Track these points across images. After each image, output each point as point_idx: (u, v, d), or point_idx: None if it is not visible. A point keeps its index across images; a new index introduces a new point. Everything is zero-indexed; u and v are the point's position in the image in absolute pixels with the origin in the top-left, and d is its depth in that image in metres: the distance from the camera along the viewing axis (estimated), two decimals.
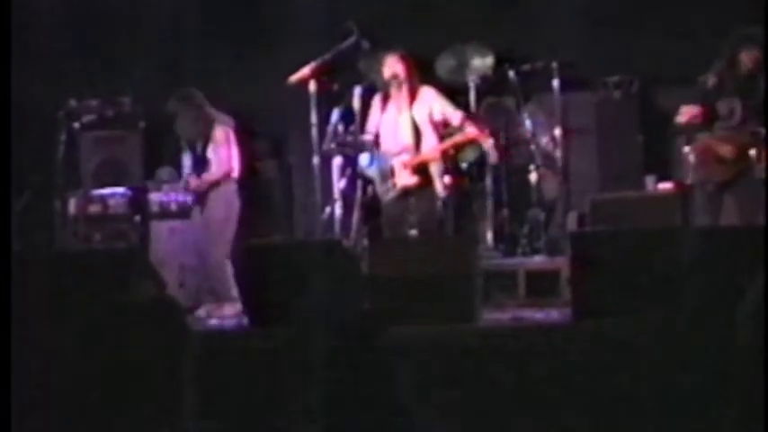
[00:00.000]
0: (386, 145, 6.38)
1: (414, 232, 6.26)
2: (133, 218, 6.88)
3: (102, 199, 6.99)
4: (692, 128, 5.60)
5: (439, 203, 6.38)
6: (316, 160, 6.64)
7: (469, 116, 6.50)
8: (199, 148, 6.33)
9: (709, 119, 5.53)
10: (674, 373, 4.33)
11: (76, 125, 7.06)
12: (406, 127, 6.33)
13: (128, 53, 7.47)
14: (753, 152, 5.48)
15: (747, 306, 2.66)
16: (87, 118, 7.18)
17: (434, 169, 6.32)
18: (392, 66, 6.35)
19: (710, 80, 5.57)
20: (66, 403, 2.41)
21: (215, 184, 6.34)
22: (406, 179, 6.28)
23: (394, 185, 6.32)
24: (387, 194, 6.35)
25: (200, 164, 6.34)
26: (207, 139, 6.30)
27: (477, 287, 5.10)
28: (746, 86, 5.48)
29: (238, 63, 7.45)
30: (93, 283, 4.92)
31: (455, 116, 6.35)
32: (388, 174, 6.35)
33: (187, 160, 6.44)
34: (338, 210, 6.65)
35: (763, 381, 2.77)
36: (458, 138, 6.36)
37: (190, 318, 5.93)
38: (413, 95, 6.33)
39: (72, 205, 7.01)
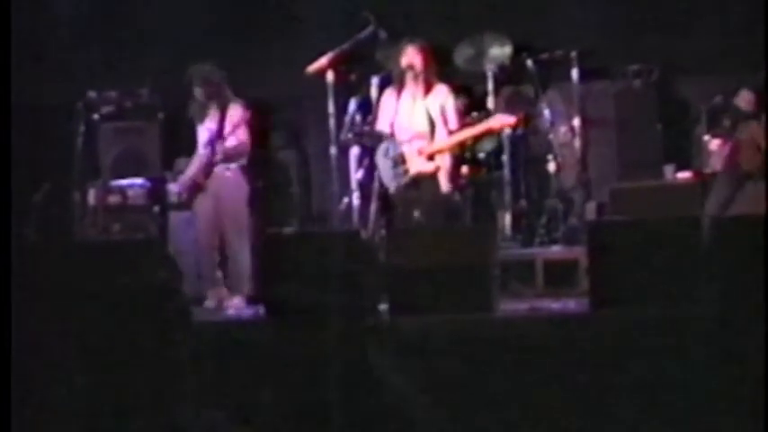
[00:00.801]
0: (399, 132, 6.37)
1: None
2: (152, 209, 6.92)
3: (121, 190, 7.03)
4: (742, 114, 5.58)
5: (445, 194, 6.34)
6: (333, 150, 6.65)
7: (467, 124, 6.43)
8: (214, 125, 6.29)
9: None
10: (694, 364, 4.33)
11: (95, 116, 7.11)
12: (421, 115, 6.33)
13: (146, 44, 7.51)
14: None
15: None
16: (106, 109, 7.23)
17: (442, 161, 6.30)
18: (411, 56, 6.34)
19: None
20: (76, 392, 2.45)
21: (229, 158, 6.27)
22: (420, 165, 6.27)
23: (406, 172, 6.30)
24: (397, 180, 6.31)
25: (214, 141, 6.31)
26: (223, 115, 6.29)
27: (495, 277, 5.11)
28: None
29: (257, 53, 7.47)
30: (112, 273, 4.97)
31: (453, 121, 6.31)
32: (400, 160, 6.34)
33: (203, 134, 6.36)
34: (356, 200, 6.67)
35: None
36: (477, 129, 6.32)
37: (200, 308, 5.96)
38: (428, 87, 6.32)
39: (91, 196, 7.06)
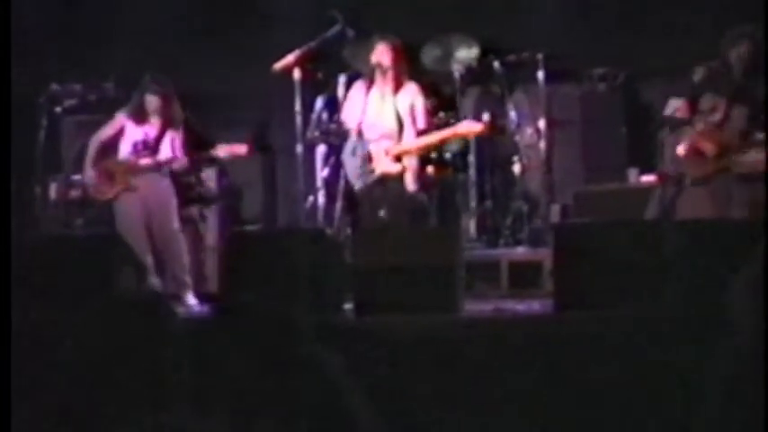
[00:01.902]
0: (366, 130, 6.31)
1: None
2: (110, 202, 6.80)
3: (83, 184, 6.92)
4: (675, 121, 5.59)
5: (410, 194, 6.32)
6: (299, 148, 6.61)
7: (435, 124, 6.39)
8: (153, 131, 6.22)
9: (692, 113, 5.53)
10: (658, 367, 4.35)
11: (58, 109, 7.00)
12: (390, 113, 6.27)
13: (111, 37, 7.41)
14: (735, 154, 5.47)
15: (740, 293, 2.67)
16: (69, 102, 7.12)
17: (408, 162, 6.26)
18: (381, 52, 6.27)
19: (698, 74, 5.57)
20: (50, 394, 2.39)
21: (158, 167, 6.20)
22: (387, 166, 6.22)
23: (372, 171, 6.26)
24: (363, 178, 6.27)
25: (147, 147, 6.23)
26: (164, 129, 6.23)
27: (460, 278, 5.10)
28: (737, 88, 5.45)
29: (223, 49, 7.40)
30: (74, 268, 4.89)
31: (421, 120, 6.26)
32: (367, 159, 6.29)
33: (136, 134, 6.26)
34: (321, 199, 6.64)
35: (755, 375, 2.78)
36: (444, 133, 6.29)
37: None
38: (398, 85, 6.26)
39: (53, 190, 6.96)
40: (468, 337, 4.67)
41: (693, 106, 5.52)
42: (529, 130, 6.99)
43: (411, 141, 6.25)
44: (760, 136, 5.39)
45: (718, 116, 5.44)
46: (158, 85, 6.21)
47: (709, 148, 5.45)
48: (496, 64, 6.90)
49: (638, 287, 4.67)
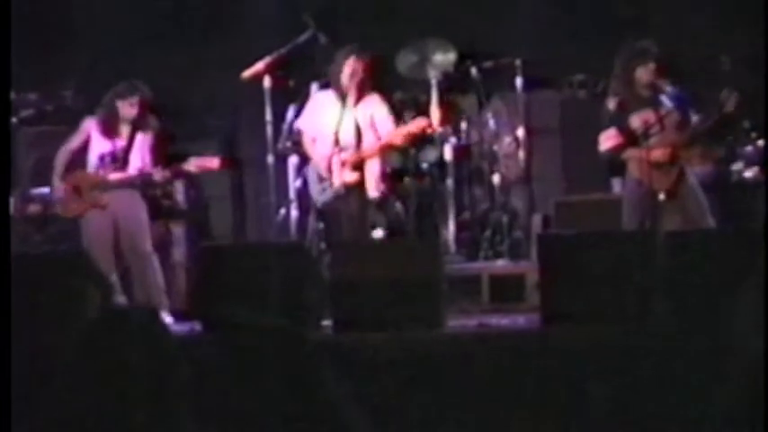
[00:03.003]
0: (324, 142, 6.26)
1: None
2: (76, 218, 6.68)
3: (42, 198, 6.79)
4: (612, 152, 5.75)
5: (370, 201, 6.28)
6: (270, 159, 6.54)
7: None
8: (121, 143, 6.05)
9: (629, 138, 5.68)
10: (648, 383, 4.34)
11: (14, 120, 6.85)
12: (349, 125, 6.21)
13: (70, 43, 7.30)
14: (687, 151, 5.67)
15: (744, 313, 2.66)
16: (25, 112, 6.99)
17: (370, 169, 6.22)
18: (353, 66, 6.22)
19: (611, 103, 5.75)
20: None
21: (127, 182, 6.04)
22: (345, 176, 6.18)
23: (331, 185, 6.22)
24: (323, 195, 6.24)
25: (115, 159, 6.07)
26: (133, 137, 6.05)
27: (442, 292, 5.07)
28: (650, 97, 5.67)
29: (189, 56, 7.32)
30: (34, 288, 4.78)
31: (386, 126, 6.22)
32: (325, 174, 6.24)
33: (103, 146, 6.06)
34: (293, 211, 6.58)
35: (747, 384, 2.77)
36: (397, 132, 6.22)
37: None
38: (360, 97, 6.21)
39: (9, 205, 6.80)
40: (453, 353, 4.64)
41: (626, 130, 5.68)
42: (507, 139, 6.99)
43: (367, 147, 6.20)
44: (698, 129, 5.65)
45: (656, 127, 5.63)
46: (135, 91, 5.99)
47: (661, 155, 5.61)
48: (474, 70, 6.89)
49: (627, 300, 4.68)
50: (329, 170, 6.20)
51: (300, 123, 6.42)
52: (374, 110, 6.22)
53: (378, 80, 6.33)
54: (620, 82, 5.75)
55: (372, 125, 6.22)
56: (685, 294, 4.63)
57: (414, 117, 6.56)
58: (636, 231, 5.44)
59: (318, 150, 6.26)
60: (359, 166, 6.20)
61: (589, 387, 4.34)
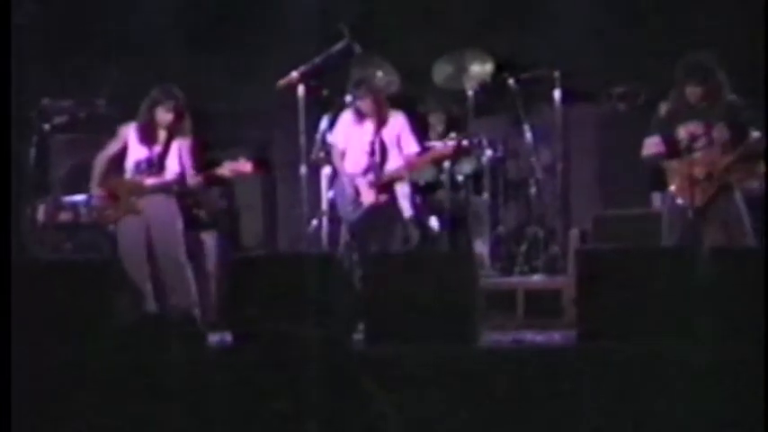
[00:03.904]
0: (352, 162, 6.37)
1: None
2: (107, 227, 6.78)
3: (74, 206, 6.88)
4: (655, 160, 5.75)
5: (403, 223, 6.35)
6: (303, 169, 6.60)
7: (425, 150, 6.46)
8: (158, 149, 6.13)
9: (672, 148, 5.69)
10: (688, 404, 4.32)
11: (46, 127, 6.94)
12: (375, 145, 6.33)
13: (105, 52, 7.40)
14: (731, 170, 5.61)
15: None
16: (59, 119, 7.07)
17: (400, 189, 6.35)
18: (367, 96, 6.32)
19: (662, 109, 5.75)
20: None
21: (164, 188, 6.09)
22: (371, 197, 6.31)
23: (359, 204, 6.30)
24: (354, 213, 6.34)
25: (152, 165, 6.13)
26: (169, 142, 6.13)
27: (477, 307, 5.08)
28: (701, 111, 5.66)
29: (223, 65, 7.40)
30: (65, 295, 4.86)
31: (410, 146, 6.35)
32: (353, 193, 6.32)
33: (140, 152, 6.13)
34: (325, 222, 6.63)
35: None
36: (424, 157, 6.35)
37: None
38: (383, 120, 6.34)
39: (41, 212, 6.90)
40: (487, 369, 4.65)
41: (670, 139, 5.68)
42: (545, 152, 7.00)
43: (394, 168, 6.33)
44: (748, 140, 5.57)
45: (702, 141, 5.61)
46: (171, 97, 6.07)
47: (699, 170, 5.59)
48: (511, 81, 6.91)
49: (668, 318, 4.66)
50: (356, 190, 6.30)
51: (332, 138, 6.51)
52: (400, 129, 6.35)
53: (387, 108, 6.36)
54: (674, 91, 5.73)
55: (398, 144, 6.34)
56: (727, 312, 4.61)
57: (446, 131, 6.63)
58: (676, 247, 5.42)
59: (346, 168, 6.38)
60: (386, 187, 6.30)
61: (626, 406, 4.33)
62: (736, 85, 5.72)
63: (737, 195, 5.65)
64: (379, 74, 6.67)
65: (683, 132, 5.66)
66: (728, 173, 5.59)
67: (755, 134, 5.57)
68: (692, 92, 5.63)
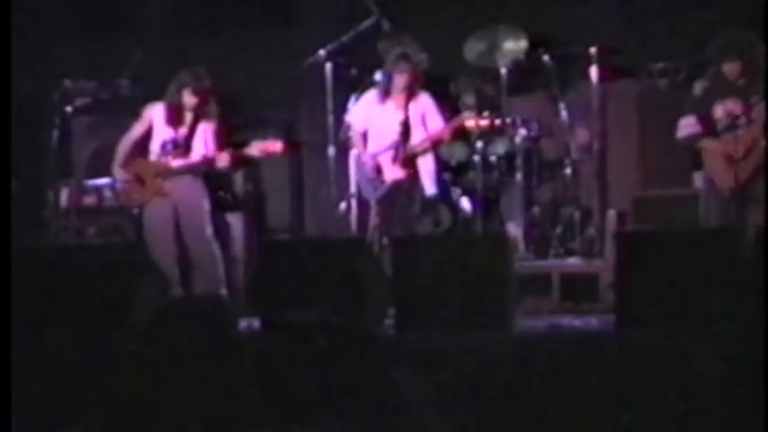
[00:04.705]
0: (374, 141, 6.36)
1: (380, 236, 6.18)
2: (131, 210, 6.79)
3: (97, 190, 6.91)
4: (690, 140, 5.69)
5: (424, 201, 6.33)
6: (331, 151, 6.58)
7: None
8: (184, 131, 6.12)
9: (709, 127, 5.62)
10: (730, 392, 4.26)
11: (69, 109, 6.96)
12: (396, 124, 6.31)
13: (129, 31, 7.40)
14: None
15: None
16: (81, 101, 7.09)
17: (423, 165, 6.30)
18: (403, 71, 6.29)
19: (698, 88, 5.70)
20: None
21: (191, 170, 6.08)
22: (394, 173, 6.28)
23: (382, 182, 6.26)
24: (376, 193, 6.31)
25: (177, 147, 6.12)
26: (195, 125, 6.11)
27: (511, 291, 5.05)
28: (740, 89, 5.58)
29: (249, 44, 7.38)
30: (91, 280, 4.88)
31: (436, 124, 6.33)
32: (375, 172, 6.29)
33: (165, 133, 6.13)
34: (354, 205, 6.61)
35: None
36: (446, 128, 6.29)
37: None
38: (409, 98, 6.32)
39: (64, 196, 6.93)
40: (522, 355, 4.61)
41: (706, 119, 5.60)
42: (581, 131, 6.93)
43: (415, 143, 6.26)
44: None
45: (741, 118, 5.53)
46: (197, 79, 6.06)
47: (735, 150, 5.52)
48: (546, 58, 6.83)
49: (709, 302, 4.60)
50: (378, 168, 6.26)
51: (350, 118, 6.49)
52: (426, 108, 6.34)
53: (422, 83, 6.33)
54: (711, 68, 5.68)
55: (423, 122, 6.33)
56: None
57: (479, 110, 6.59)
58: (719, 229, 5.35)
59: (367, 146, 6.36)
60: (409, 162, 6.24)
61: (667, 394, 4.28)
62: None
63: None
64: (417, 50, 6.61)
65: (720, 111, 5.60)
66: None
67: None
68: (730, 68, 5.55)
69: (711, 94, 5.62)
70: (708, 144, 5.63)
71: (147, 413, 2.31)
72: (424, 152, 6.31)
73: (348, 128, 6.65)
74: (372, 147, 6.38)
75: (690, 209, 5.96)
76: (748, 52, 5.54)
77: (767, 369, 2.62)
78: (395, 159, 6.30)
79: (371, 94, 6.44)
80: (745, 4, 6.56)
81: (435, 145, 6.37)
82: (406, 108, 6.34)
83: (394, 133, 6.32)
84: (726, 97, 5.59)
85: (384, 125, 6.36)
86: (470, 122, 6.40)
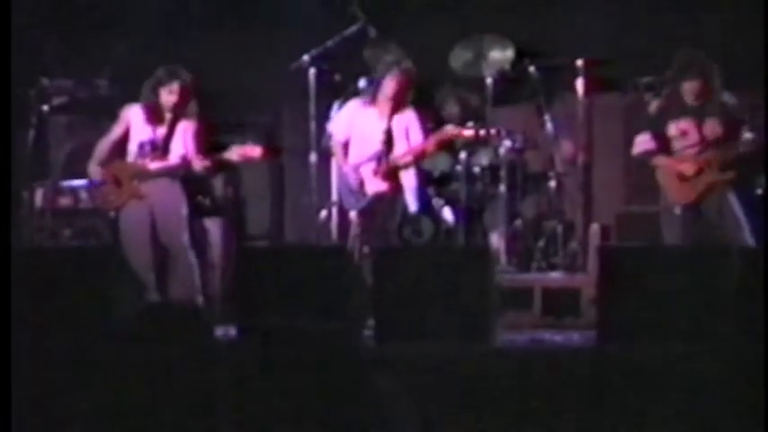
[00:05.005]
0: (356, 151, 6.33)
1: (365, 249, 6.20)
2: (107, 213, 6.75)
3: (74, 191, 6.88)
4: (645, 157, 5.90)
5: (406, 219, 6.34)
6: (313, 157, 6.58)
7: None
8: (163, 131, 6.09)
9: (663, 145, 5.82)
10: (714, 410, 4.29)
11: (45, 108, 6.92)
12: (379, 135, 6.27)
13: (108, 30, 7.38)
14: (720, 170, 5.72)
15: None
16: (58, 100, 7.06)
17: (406, 180, 6.29)
18: (396, 79, 6.23)
19: (653, 105, 5.94)
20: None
21: (169, 172, 6.06)
22: (377, 185, 6.26)
23: (364, 195, 6.26)
24: (356, 204, 6.30)
25: (155, 148, 6.10)
26: (174, 124, 6.08)
27: (493, 304, 5.06)
28: (695, 109, 5.77)
29: (231, 46, 7.37)
30: (65, 283, 4.86)
31: (417, 137, 6.27)
32: (357, 183, 6.28)
33: (144, 133, 6.09)
34: (335, 213, 6.61)
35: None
36: (430, 141, 6.28)
37: None
38: (396, 109, 6.28)
39: (39, 197, 6.90)
40: (502, 369, 4.62)
41: (660, 136, 5.81)
42: (566, 144, 6.96)
43: (399, 154, 6.26)
44: (740, 139, 5.68)
45: (693, 137, 5.74)
46: (176, 78, 6.02)
47: (687, 167, 5.72)
48: (532, 69, 6.87)
49: (693, 319, 4.63)
50: (360, 179, 6.25)
51: (332, 127, 6.47)
52: (410, 123, 6.30)
53: (413, 94, 6.31)
54: (667, 87, 5.88)
55: (406, 137, 6.29)
56: (754, 313, 4.58)
57: (462, 120, 6.60)
58: (702, 247, 5.40)
59: (348, 157, 6.34)
60: (390, 175, 6.24)
61: (649, 411, 4.30)
62: (733, 82, 5.79)
63: (732, 194, 5.70)
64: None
65: (674, 129, 5.77)
66: (720, 171, 5.68)
67: (748, 135, 5.69)
68: (690, 87, 5.74)
69: (666, 112, 5.82)
70: (661, 161, 5.81)
71: (119, 422, 2.30)
72: (406, 166, 6.29)
73: (329, 137, 6.65)
74: (354, 156, 6.34)
75: None
76: (706, 74, 5.72)
77: (766, 378, 2.65)
78: (376, 171, 6.28)
79: (354, 103, 6.41)
80: (731, 20, 6.64)
81: (418, 159, 6.35)
82: (390, 118, 6.31)
83: (377, 143, 6.29)
84: (680, 116, 5.77)
85: (366, 134, 6.33)
86: (454, 131, 6.37)
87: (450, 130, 6.37)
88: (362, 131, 6.32)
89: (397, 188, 6.28)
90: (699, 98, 5.74)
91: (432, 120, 6.61)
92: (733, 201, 5.70)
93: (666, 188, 5.79)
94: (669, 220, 5.76)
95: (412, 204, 6.30)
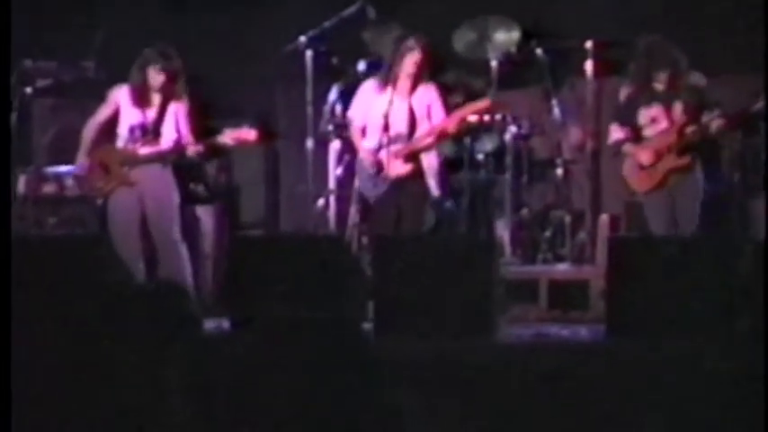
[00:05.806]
0: (375, 134, 6.28)
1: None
2: (94, 200, 6.77)
3: (58, 178, 6.90)
4: (617, 146, 6.01)
5: (433, 199, 6.31)
6: (310, 143, 6.60)
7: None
8: (153, 114, 6.09)
9: (633, 134, 5.92)
10: (725, 401, 4.32)
11: (28, 90, 6.93)
12: (402, 116, 6.23)
13: (94, 9, 7.39)
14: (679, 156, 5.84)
15: None
16: (42, 82, 7.07)
17: (427, 162, 6.25)
18: (415, 54, 6.17)
19: (622, 93, 6.05)
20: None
21: (160, 157, 6.07)
22: (399, 168, 6.22)
23: (384, 179, 6.24)
24: (376, 189, 6.27)
25: (146, 132, 6.09)
26: (165, 106, 6.09)
27: (497, 297, 5.09)
28: (664, 95, 5.88)
29: (224, 28, 7.38)
30: (49, 273, 4.88)
31: (439, 117, 6.25)
32: (376, 168, 6.26)
33: (133, 117, 6.09)
34: (333, 201, 6.64)
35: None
36: (453, 118, 6.24)
37: None
38: (415, 86, 6.24)
39: (21, 184, 6.91)
40: (506, 365, 4.65)
41: (630, 125, 5.93)
42: (574, 130, 6.98)
43: (420, 136, 6.22)
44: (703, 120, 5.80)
45: (663, 123, 5.83)
46: (165, 57, 6.02)
47: (646, 157, 5.84)
48: (539, 51, 6.88)
49: (706, 312, 4.66)
50: (379, 163, 6.22)
51: (351, 113, 6.42)
52: (432, 100, 6.25)
53: (432, 69, 6.30)
54: (636, 74, 5.97)
55: (429, 116, 6.25)
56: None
57: (464, 100, 6.58)
58: (715, 237, 5.43)
59: (368, 141, 6.30)
60: (412, 157, 6.23)
61: (659, 407, 4.33)
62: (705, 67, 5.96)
63: (692, 182, 5.78)
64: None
65: (644, 117, 5.89)
66: (678, 156, 5.76)
67: (710, 115, 5.79)
68: (659, 78, 5.85)
69: (635, 100, 5.92)
70: (628, 149, 5.95)
71: (103, 414, 2.33)
72: (427, 148, 6.24)
73: (330, 119, 6.65)
74: (371, 140, 6.27)
75: None
76: (675, 61, 5.85)
77: (766, 378, 2.68)
78: (398, 154, 6.24)
79: (369, 84, 6.32)
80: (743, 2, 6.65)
81: (439, 139, 6.29)
82: (410, 97, 6.23)
83: (398, 124, 6.21)
84: (650, 103, 5.87)
85: (386, 116, 6.22)
86: (478, 105, 6.33)
87: (473, 105, 6.32)
88: (379, 114, 6.21)
89: (418, 171, 6.23)
90: (669, 87, 5.85)
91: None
92: (689, 189, 5.79)
93: (627, 177, 5.93)
94: (648, 209, 5.90)
95: (435, 189, 6.24)
